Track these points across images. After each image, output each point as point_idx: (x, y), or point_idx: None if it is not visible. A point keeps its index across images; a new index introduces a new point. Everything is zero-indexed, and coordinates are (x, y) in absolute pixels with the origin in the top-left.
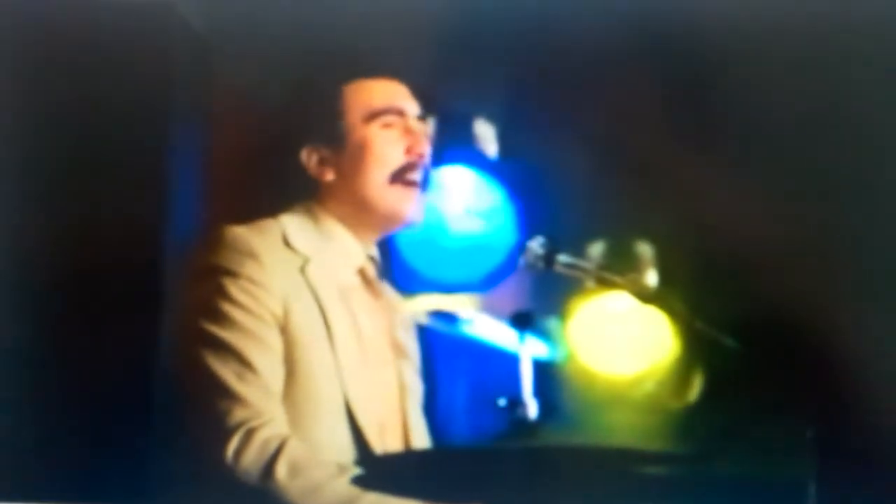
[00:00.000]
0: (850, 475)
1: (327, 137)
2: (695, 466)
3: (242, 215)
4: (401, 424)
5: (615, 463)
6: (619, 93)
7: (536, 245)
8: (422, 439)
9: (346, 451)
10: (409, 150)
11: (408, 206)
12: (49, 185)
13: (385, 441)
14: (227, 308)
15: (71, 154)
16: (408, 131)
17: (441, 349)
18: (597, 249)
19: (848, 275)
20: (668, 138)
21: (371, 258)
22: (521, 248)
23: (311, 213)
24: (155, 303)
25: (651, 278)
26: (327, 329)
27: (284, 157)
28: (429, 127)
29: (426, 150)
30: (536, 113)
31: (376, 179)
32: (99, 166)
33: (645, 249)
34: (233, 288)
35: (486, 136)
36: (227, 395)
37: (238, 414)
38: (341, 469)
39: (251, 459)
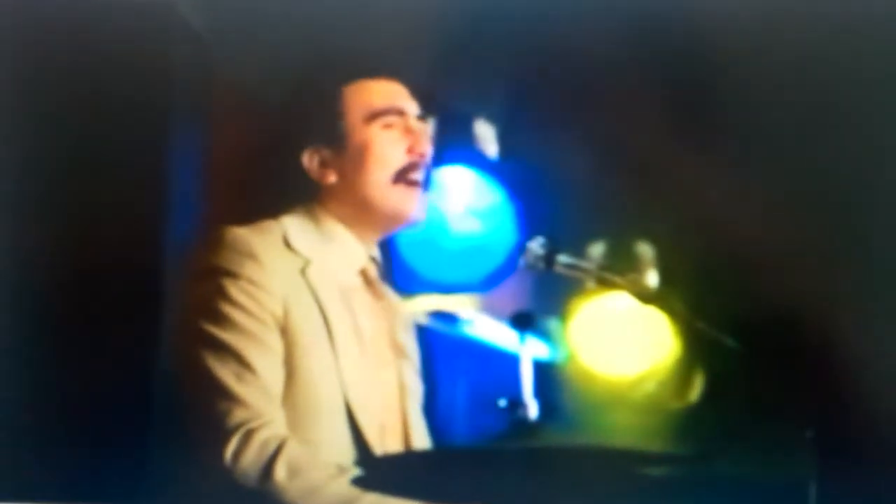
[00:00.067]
0: (850, 475)
1: (328, 139)
2: (695, 467)
3: (243, 216)
4: (401, 425)
5: (616, 463)
6: (620, 93)
7: (537, 245)
8: (422, 440)
9: (346, 451)
10: (410, 150)
11: (410, 205)
12: (49, 185)
13: (385, 442)
14: (227, 309)
15: (71, 154)
16: (408, 131)
17: (441, 350)
18: (597, 250)
19: (848, 275)
20: (669, 138)
21: (373, 259)
22: (521, 248)
23: (311, 215)
24: (155, 303)
25: (651, 279)
26: (328, 330)
27: (285, 158)
28: (429, 127)
29: (427, 149)
30: (537, 113)
31: (378, 180)
32: (99, 166)
33: (645, 250)
34: (233, 289)
35: (487, 136)
36: (226, 396)
37: (237, 415)
38: (341, 470)
39: (250, 460)
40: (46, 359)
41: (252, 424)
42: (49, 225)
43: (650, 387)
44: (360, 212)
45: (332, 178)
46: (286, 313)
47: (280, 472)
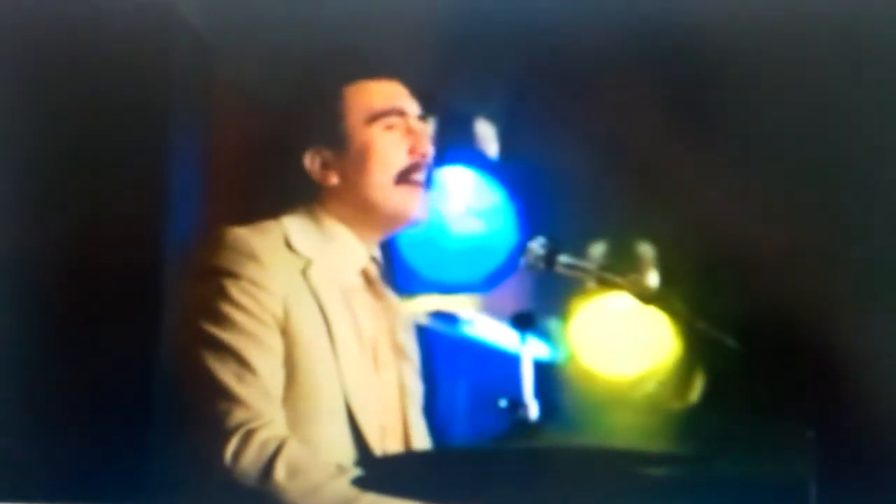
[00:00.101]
0: (850, 475)
1: (329, 140)
2: (696, 467)
3: (243, 216)
4: (401, 426)
5: (616, 464)
6: (620, 93)
7: (537, 245)
8: (422, 441)
9: (346, 452)
10: (412, 151)
11: (413, 205)
12: (49, 185)
13: (385, 443)
14: (228, 309)
15: (71, 154)
16: (410, 132)
17: (442, 350)
18: (598, 250)
19: (848, 275)
20: (669, 139)
21: (374, 259)
22: (521, 248)
23: (312, 215)
24: (155, 303)
25: (652, 279)
26: (328, 331)
27: (285, 159)
28: (430, 126)
29: (429, 149)
30: (537, 113)
31: (381, 181)
32: (99, 166)
33: (646, 250)
34: (233, 289)
35: (487, 136)
36: (226, 396)
37: (237, 415)
38: (340, 470)
39: (250, 460)
40: (46, 359)
41: (252, 425)
42: (49, 225)
43: (651, 387)
44: (361, 212)
45: (333, 179)
46: (287, 314)
47: (280, 472)
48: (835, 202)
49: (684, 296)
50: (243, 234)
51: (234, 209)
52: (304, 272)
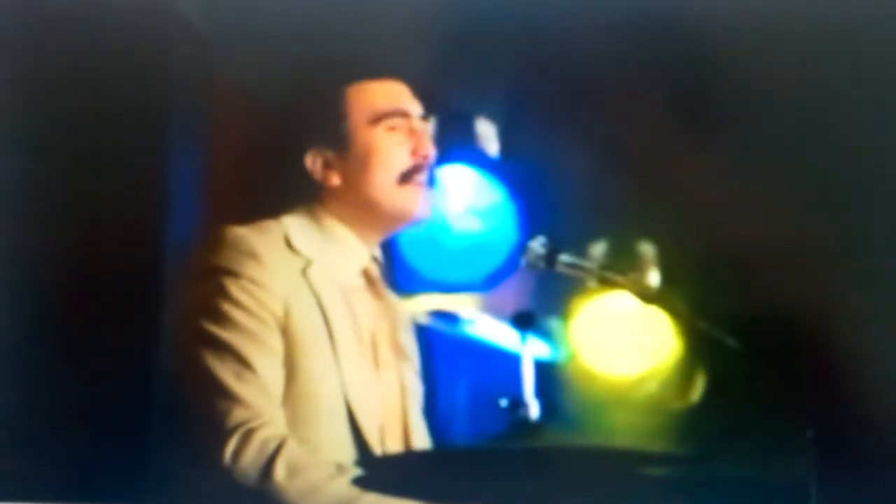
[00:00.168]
0: (851, 475)
1: (331, 140)
2: (696, 467)
3: (243, 216)
4: (401, 426)
5: (617, 463)
6: (621, 92)
7: (538, 245)
8: (422, 441)
9: (346, 452)
10: (414, 153)
11: (415, 204)
12: (49, 185)
13: (385, 443)
14: (228, 308)
15: (71, 153)
16: (412, 132)
17: (442, 349)
18: (598, 249)
19: (849, 274)
20: (670, 138)
21: (374, 259)
22: (522, 247)
23: (313, 215)
24: (155, 303)
25: (653, 278)
26: (328, 331)
27: (286, 159)
28: (431, 125)
29: (431, 151)
30: (538, 112)
31: (383, 182)
32: (99, 166)
33: (647, 249)
34: (233, 288)
35: (488, 135)
36: (226, 395)
37: (237, 414)
38: (340, 469)
39: (250, 460)
40: (46, 359)
41: (252, 424)
42: (49, 225)
43: (651, 387)
44: (363, 212)
45: (335, 179)
46: (287, 313)
47: (280, 472)
48: (835, 202)
49: (685, 295)
50: (243, 234)
51: (234, 209)
52: (304, 272)
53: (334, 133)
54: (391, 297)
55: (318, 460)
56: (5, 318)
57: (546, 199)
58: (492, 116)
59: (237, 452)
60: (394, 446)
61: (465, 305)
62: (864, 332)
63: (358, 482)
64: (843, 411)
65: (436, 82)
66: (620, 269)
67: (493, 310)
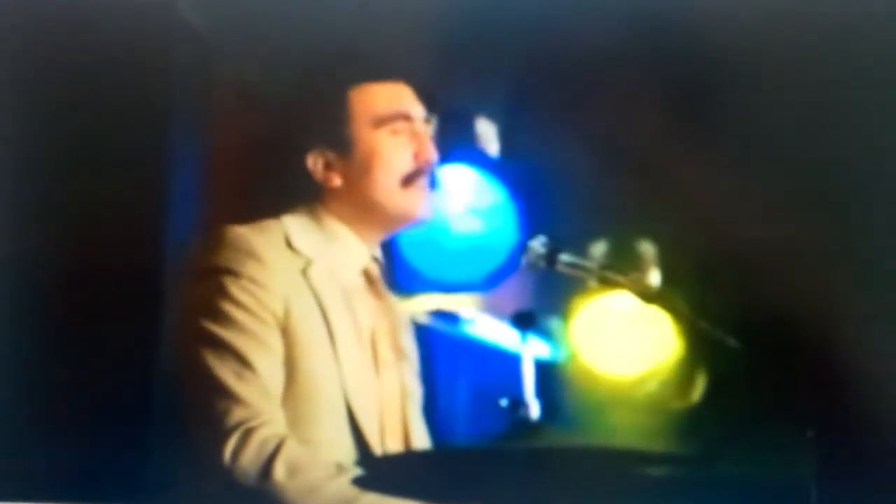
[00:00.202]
0: (851, 475)
1: (333, 142)
2: (697, 467)
3: (243, 215)
4: (401, 426)
5: (617, 463)
6: (621, 92)
7: (538, 244)
8: (422, 442)
9: (346, 452)
10: (417, 156)
11: (417, 205)
12: (49, 185)
13: (385, 443)
14: (228, 307)
15: (71, 154)
16: (415, 135)
17: (442, 349)
18: (599, 249)
19: (848, 275)
20: (670, 138)
21: (375, 259)
22: (522, 247)
23: (314, 215)
24: (155, 303)
25: (653, 278)
26: (328, 331)
27: (287, 159)
28: (432, 126)
29: (434, 154)
30: (538, 112)
31: (386, 185)
32: (99, 166)
33: (647, 249)
34: (234, 287)
35: (488, 135)
36: (225, 394)
37: (236, 414)
38: (340, 469)
39: (249, 459)
40: (46, 359)
41: (251, 423)
42: (49, 225)
43: (652, 386)
44: (364, 213)
45: (337, 181)
46: (287, 313)
47: (279, 471)
48: (835, 202)
49: (686, 295)
50: (244, 233)
51: (234, 209)
52: (304, 272)
53: (337, 135)
54: (392, 297)
55: (318, 460)
56: (5, 318)
57: (546, 199)
58: (492, 116)
59: (236, 452)
60: (394, 446)
61: (465, 305)
62: (864, 332)
63: (358, 482)
64: (843, 411)
65: (436, 82)
66: (621, 268)
67: (493, 309)
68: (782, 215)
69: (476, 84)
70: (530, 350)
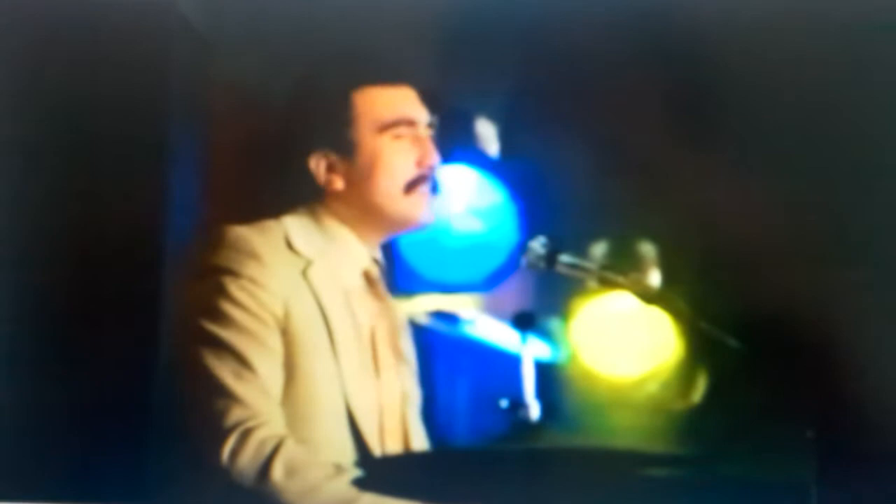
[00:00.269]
0: (851, 475)
1: (336, 145)
2: (698, 468)
3: (243, 216)
4: (401, 428)
5: (618, 464)
6: (622, 92)
7: (538, 245)
8: (421, 445)
9: (345, 453)
10: (420, 163)
11: (419, 211)
12: (48, 184)
13: (384, 445)
14: (227, 307)
15: (70, 153)
16: (418, 140)
17: (442, 350)
18: (599, 249)
19: (850, 275)
20: (671, 138)
21: (375, 260)
22: (522, 247)
23: (314, 216)
24: (154, 302)
25: (654, 278)
26: (328, 332)
27: (289, 160)
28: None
29: (436, 160)
30: (538, 112)
31: (389, 190)
32: (98, 166)
33: (648, 249)
34: (234, 287)
35: (488, 135)
36: (224, 394)
37: (235, 414)
38: (338, 469)
39: (247, 459)
40: (46, 358)
41: (250, 423)
42: (48, 224)
43: (652, 387)
44: (366, 216)
45: (339, 184)
46: (287, 314)
47: (277, 472)
48: (835, 202)
49: (686, 295)
50: (244, 233)
51: (235, 209)
52: (304, 272)
53: (340, 138)
54: (391, 298)
55: (317, 460)
56: (5, 317)
57: (546, 200)
58: (492, 116)
59: (235, 452)
60: (393, 447)
61: (465, 306)
62: (864, 332)
63: (357, 483)
64: (843, 411)
65: (436, 82)
66: (621, 269)
67: (493, 310)
68: (782, 215)
69: (476, 84)
70: (530, 351)
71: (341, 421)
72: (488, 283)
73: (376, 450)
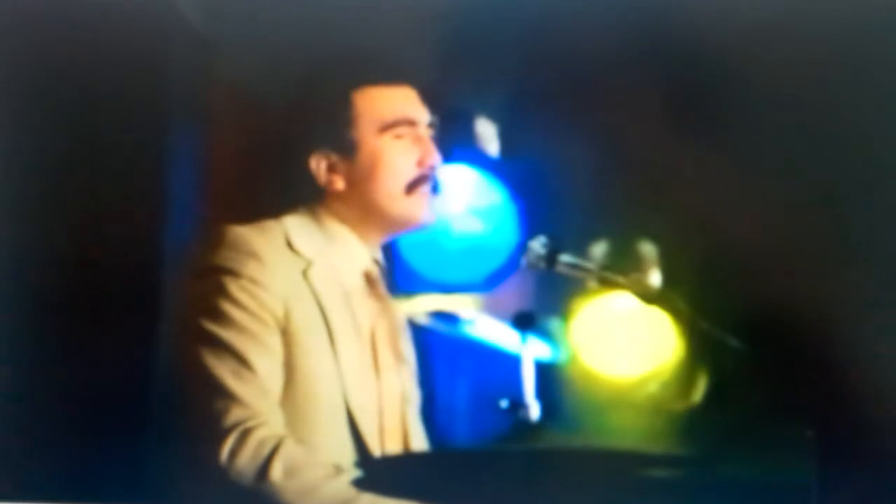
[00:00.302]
0: (851, 475)
1: (337, 145)
2: (698, 468)
3: (243, 216)
4: (400, 428)
5: (618, 465)
6: (622, 92)
7: (538, 245)
8: (420, 445)
9: (345, 453)
10: (420, 163)
11: (420, 211)
12: (48, 185)
13: (384, 445)
14: (227, 307)
15: (70, 154)
16: (419, 140)
17: (442, 350)
18: (599, 249)
19: (851, 275)
20: (671, 138)
21: (376, 261)
22: (522, 247)
23: (314, 216)
24: (154, 302)
25: (654, 278)
26: (328, 332)
27: (289, 160)
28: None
29: (437, 160)
30: (538, 112)
31: (389, 191)
32: (98, 166)
33: (648, 249)
34: (233, 287)
35: (488, 135)
36: (223, 394)
37: (234, 414)
38: (338, 469)
39: (246, 459)
40: (46, 357)
41: (249, 423)
42: (49, 225)
43: (653, 387)
44: (366, 216)
45: (339, 184)
46: (287, 314)
47: (276, 472)
48: (835, 202)
49: (686, 296)
50: (244, 233)
51: (235, 209)
52: (304, 273)
53: (340, 138)
54: (391, 299)
55: (316, 460)
56: (5, 317)
57: (546, 199)
58: (493, 116)
59: (234, 452)
60: (393, 448)
61: (465, 306)
62: (864, 332)
63: (357, 483)
64: (843, 411)
65: (437, 82)
66: (621, 269)
67: (493, 310)
68: (783, 215)
69: (476, 84)
70: (530, 351)
71: (341, 421)
72: (488, 284)
73: (376, 450)
